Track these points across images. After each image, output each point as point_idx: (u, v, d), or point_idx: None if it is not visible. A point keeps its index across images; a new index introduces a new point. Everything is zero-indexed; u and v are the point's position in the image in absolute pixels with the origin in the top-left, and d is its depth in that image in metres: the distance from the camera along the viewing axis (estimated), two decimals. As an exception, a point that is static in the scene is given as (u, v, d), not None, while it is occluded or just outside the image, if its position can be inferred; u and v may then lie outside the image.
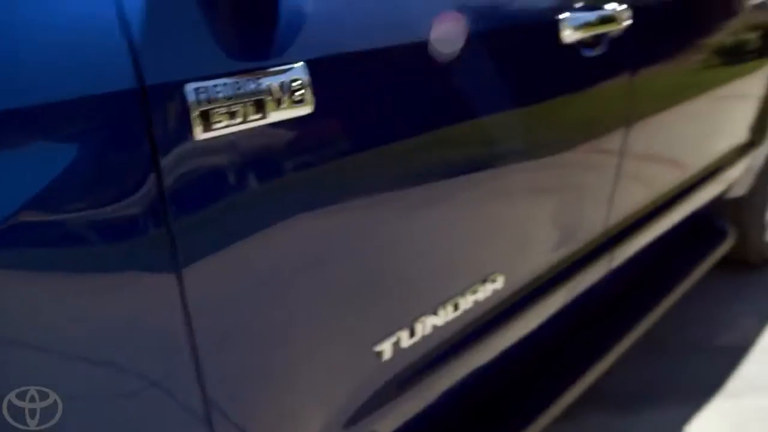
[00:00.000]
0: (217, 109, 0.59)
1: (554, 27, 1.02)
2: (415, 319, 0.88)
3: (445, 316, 0.92)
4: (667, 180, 1.53)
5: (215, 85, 0.59)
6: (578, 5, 1.07)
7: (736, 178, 1.97)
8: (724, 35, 1.59)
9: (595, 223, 1.26)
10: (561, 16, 1.02)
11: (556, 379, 1.32)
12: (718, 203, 2.03)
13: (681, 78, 1.43)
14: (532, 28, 1.00)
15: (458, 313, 0.95)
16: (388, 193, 0.79)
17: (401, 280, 0.85)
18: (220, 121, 0.59)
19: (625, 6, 1.13)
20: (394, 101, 0.78)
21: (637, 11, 1.17)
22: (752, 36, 1.72)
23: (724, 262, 2.15)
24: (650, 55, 1.28)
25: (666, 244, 1.80)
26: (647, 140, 1.34)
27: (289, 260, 0.69)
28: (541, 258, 1.14)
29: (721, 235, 1.98)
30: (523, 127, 1.01)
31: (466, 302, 0.96)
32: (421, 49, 0.81)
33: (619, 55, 1.16)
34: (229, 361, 0.67)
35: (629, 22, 1.14)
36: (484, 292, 0.99)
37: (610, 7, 1.12)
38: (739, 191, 2.06)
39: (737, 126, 1.84)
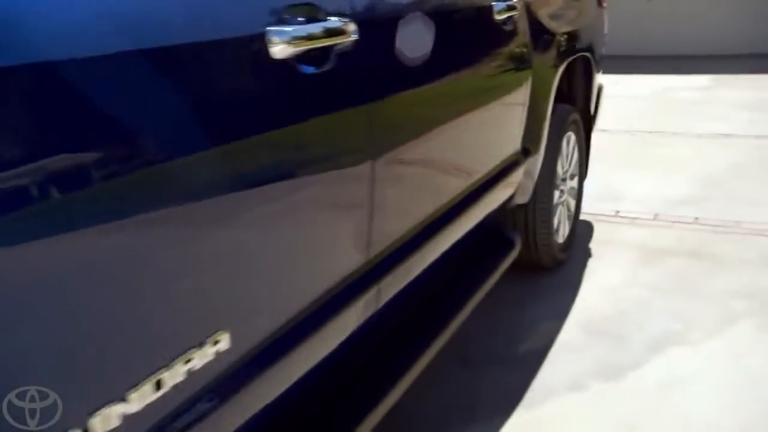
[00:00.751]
0: None
1: (260, 41, 0.89)
2: (91, 414, 0.69)
3: (140, 400, 0.74)
4: (433, 199, 1.47)
5: None
6: (294, 18, 0.95)
7: (517, 187, 2.01)
8: (475, 50, 1.58)
9: (351, 255, 1.15)
10: (268, 29, 0.90)
11: (352, 410, 1.21)
12: (505, 213, 2.07)
13: (432, 92, 1.39)
14: (231, 42, 0.86)
15: (164, 390, 0.77)
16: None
17: (60, 367, 0.66)
18: None
19: (348, 20, 1.04)
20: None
21: (364, 24, 1.08)
22: (506, 50, 1.75)
23: (520, 268, 2.20)
24: (391, 70, 1.20)
25: (456, 260, 1.77)
26: (400, 161, 1.27)
27: None
28: (288, 304, 1.00)
29: (509, 244, 2.00)
30: (236, 157, 0.86)
31: (174, 376, 0.79)
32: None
33: (351, 70, 1.06)
34: None
35: (356, 37, 1.05)
36: (203, 357, 0.83)
37: (333, 19, 1.02)
38: (522, 198, 2.11)
39: (509, 138, 1.86)
